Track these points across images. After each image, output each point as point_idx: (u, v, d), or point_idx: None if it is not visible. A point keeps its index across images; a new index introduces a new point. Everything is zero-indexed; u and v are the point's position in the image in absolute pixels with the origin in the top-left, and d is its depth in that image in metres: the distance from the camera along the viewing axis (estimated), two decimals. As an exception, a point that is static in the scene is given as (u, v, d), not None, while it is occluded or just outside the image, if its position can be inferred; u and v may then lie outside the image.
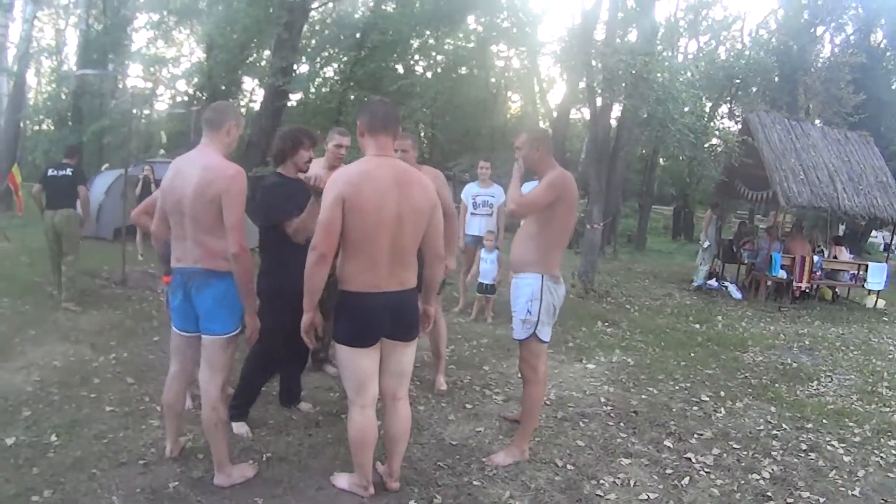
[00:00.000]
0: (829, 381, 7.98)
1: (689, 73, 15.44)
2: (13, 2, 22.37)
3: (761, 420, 6.29)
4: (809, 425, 6.25)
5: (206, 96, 21.71)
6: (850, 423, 6.40)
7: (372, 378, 3.92)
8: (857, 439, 6.00)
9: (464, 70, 26.88)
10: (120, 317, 8.46)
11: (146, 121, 27.28)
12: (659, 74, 12.11)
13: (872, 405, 7.11)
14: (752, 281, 14.68)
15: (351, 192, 3.62)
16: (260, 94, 25.31)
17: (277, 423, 5.29)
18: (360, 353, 3.83)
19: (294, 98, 22.75)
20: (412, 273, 3.92)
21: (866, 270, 14.24)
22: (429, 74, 25.59)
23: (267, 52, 22.44)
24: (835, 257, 14.87)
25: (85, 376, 6.11)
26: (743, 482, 4.88)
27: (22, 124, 24.97)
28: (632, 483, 4.70)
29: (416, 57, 25.61)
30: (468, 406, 6.00)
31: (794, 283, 13.73)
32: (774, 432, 5.99)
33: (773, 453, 5.49)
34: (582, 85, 17.89)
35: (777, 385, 7.53)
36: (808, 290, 14.14)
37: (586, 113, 22.32)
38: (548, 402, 6.14)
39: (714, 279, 15.06)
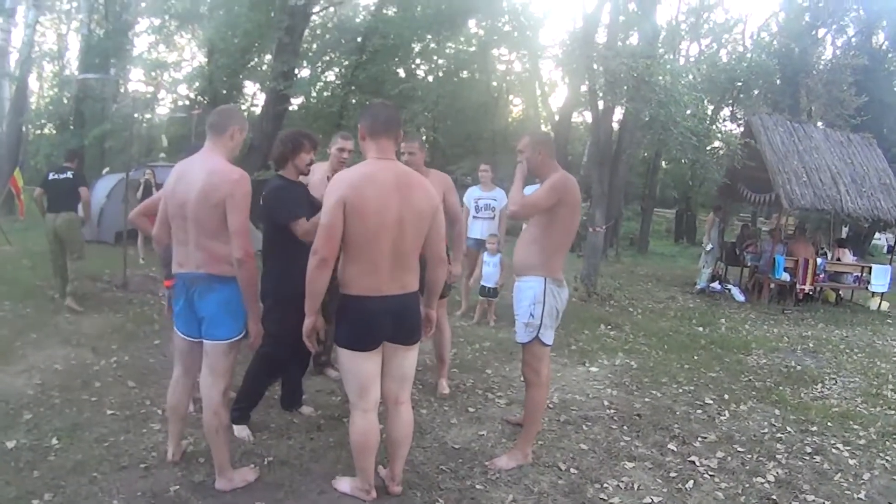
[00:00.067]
0: (834, 384, 7.96)
1: (690, 76, 15.41)
2: (15, 7, 22.40)
3: (765, 423, 6.27)
4: (814, 428, 6.23)
5: (208, 100, 21.66)
6: (855, 426, 6.38)
7: (374, 382, 3.90)
8: (861, 442, 5.98)
9: (465, 74, 26.89)
10: (121, 320, 8.44)
11: (147, 125, 27.25)
12: (661, 77, 12.09)
13: (877, 408, 7.09)
14: (756, 283, 14.66)
15: (352, 195, 3.60)
16: (261, 99, 25.34)
17: (279, 426, 5.27)
18: (361, 357, 3.82)
19: (295, 102, 22.77)
20: (414, 276, 3.90)
21: (870, 272, 14.25)
22: (430, 78, 25.58)
23: (268, 57, 22.43)
24: (838, 259, 14.87)
25: (86, 380, 6.09)
26: (747, 485, 4.86)
27: (24, 128, 24.95)
28: (635, 486, 4.67)
29: (418, 61, 25.60)
30: (471, 410, 5.98)
31: (798, 286, 13.72)
32: (779, 435, 5.97)
33: (777, 456, 5.46)
34: (584, 88, 17.90)
35: (781, 388, 7.51)
36: (811, 293, 14.13)
37: (588, 116, 22.35)
38: (551, 406, 6.12)
39: (717, 282, 15.05)
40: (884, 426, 6.41)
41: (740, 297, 14.11)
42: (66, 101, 24.66)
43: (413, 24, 21.23)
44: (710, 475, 4.98)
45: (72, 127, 22.78)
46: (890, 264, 14.80)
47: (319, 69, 24.03)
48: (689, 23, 30.68)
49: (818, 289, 14.34)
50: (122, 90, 24.36)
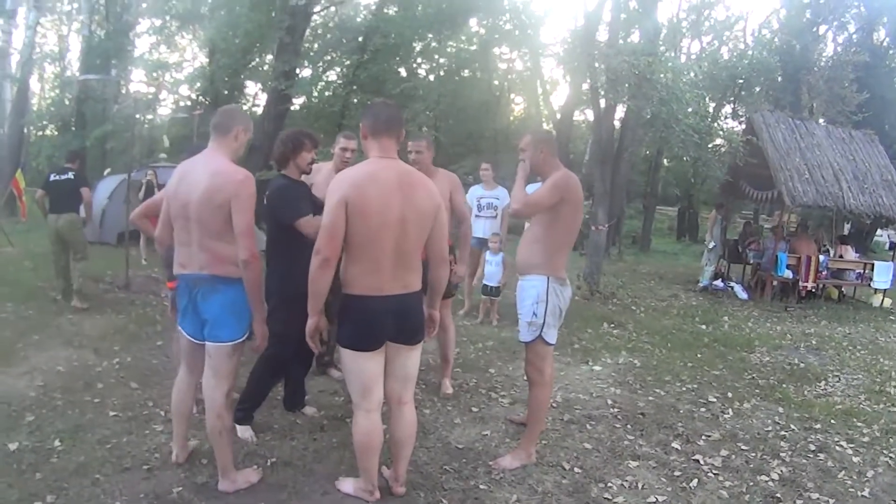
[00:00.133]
0: (837, 381, 7.94)
1: (692, 74, 15.38)
2: (16, 8, 22.41)
3: (769, 421, 6.25)
4: (818, 426, 6.21)
5: (209, 101, 21.72)
6: (859, 423, 6.36)
7: (377, 382, 3.89)
8: (865, 439, 5.97)
9: (467, 73, 26.93)
10: (123, 321, 8.44)
11: (149, 126, 27.26)
12: (662, 75, 12.08)
13: (881, 405, 7.07)
14: (758, 281, 14.64)
15: (354, 194, 3.59)
16: (263, 99, 25.35)
17: (282, 427, 5.26)
18: (364, 357, 3.80)
19: (297, 102, 22.78)
20: (416, 276, 3.89)
21: (872, 269, 14.23)
22: (431, 77, 25.62)
23: (269, 57, 22.45)
24: (840, 256, 14.85)
25: (88, 381, 6.09)
26: (752, 484, 4.85)
27: (25, 130, 24.99)
28: (640, 486, 4.66)
29: (419, 60, 25.65)
30: (474, 409, 5.96)
31: (801, 283, 13.70)
32: (783, 433, 5.95)
33: (781, 454, 5.45)
34: (585, 86, 17.88)
35: (784, 385, 7.49)
36: (814, 290, 14.11)
37: (590, 114, 22.38)
38: (554, 405, 6.11)
39: (720, 279, 15.03)
40: (887, 423, 6.39)
41: (743, 295, 14.09)
42: (67, 103, 24.69)
43: (414, 23, 21.25)
44: (715, 474, 4.96)
45: (73, 128, 22.84)
46: (892, 261, 14.76)
47: (321, 69, 24.07)
48: (690, 20, 30.71)
49: (821, 286, 14.32)
50: (123, 91, 24.39)
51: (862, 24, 25.67)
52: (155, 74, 25.92)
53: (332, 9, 23.81)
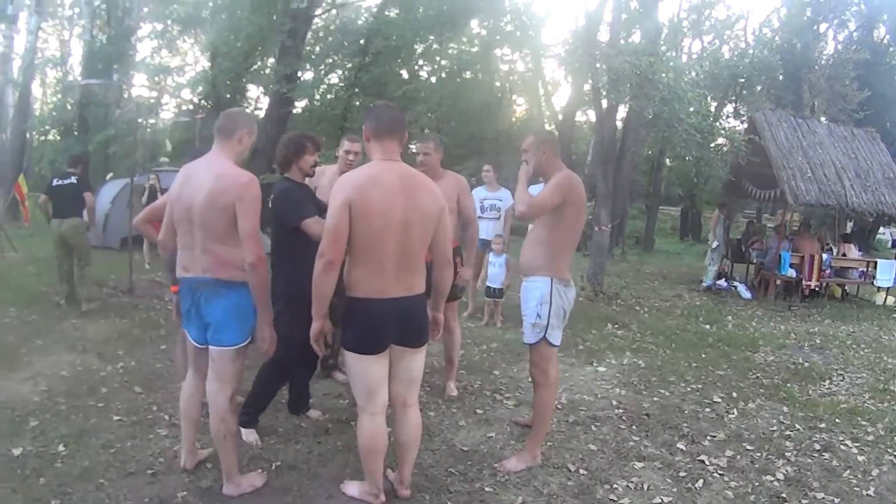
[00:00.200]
0: (841, 380, 7.93)
1: (693, 73, 15.39)
2: (17, 13, 22.44)
3: (774, 420, 6.24)
4: (822, 425, 6.20)
5: (211, 105, 21.73)
6: (864, 422, 6.35)
7: (381, 385, 3.88)
8: (870, 438, 5.96)
9: (468, 74, 26.90)
10: (127, 326, 8.45)
11: (151, 130, 27.27)
12: (664, 75, 12.07)
13: (885, 403, 7.06)
14: (762, 280, 14.63)
15: (357, 196, 3.59)
16: (265, 102, 25.34)
17: (286, 430, 5.26)
18: (368, 360, 3.80)
19: (299, 105, 22.75)
20: (420, 278, 3.88)
21: (875, 267, 14.21)
22: (433, 79, 25.60)
23: (271, 60, 22.46)
24: (844, 255, 14.83)
25: (92, 386, 6.09)
26: (757, 484, 4.84)
27: (28, 135, 25.01)
28: (645, 487, 4.66)
29: (421, 62, 25.61)
30: (479, 411, 5.96)
31: (804, 282, 13.69)
32: (787, 433, 5.94)
33: (786, 454, 5.44)
34: (587, 87, 17.85)
35: (789, 385, 7.48)
36: (817, 289, 14.09)
37: (592, 115, 22.34)
38: (559, 406, 6.10)
39: (723, 279, 15.02)
40: (891, 422, 6.37)
41: (746, 294, 14.08)
42: (69, 107, 24.70)
43: (415, 26, 21.22)
44: (720, 474, 4.96)
45: (76, 133, 22.85)
46: (895, 258, 14.74)
47: (322, 72, 24.07)
48: (690, 20, 30.69)
49: (824, 284, 14.30)
50: (125, 95, 24.39)
51: (862, 21, 25.63)
52: (157, 78, 25.88)
53: (334, 11, 23.82)
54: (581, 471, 4.84)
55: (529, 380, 5.16)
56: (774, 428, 6.04)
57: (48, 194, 9.23)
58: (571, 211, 4.59)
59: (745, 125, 17.93)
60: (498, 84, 29.70)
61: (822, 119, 19.06)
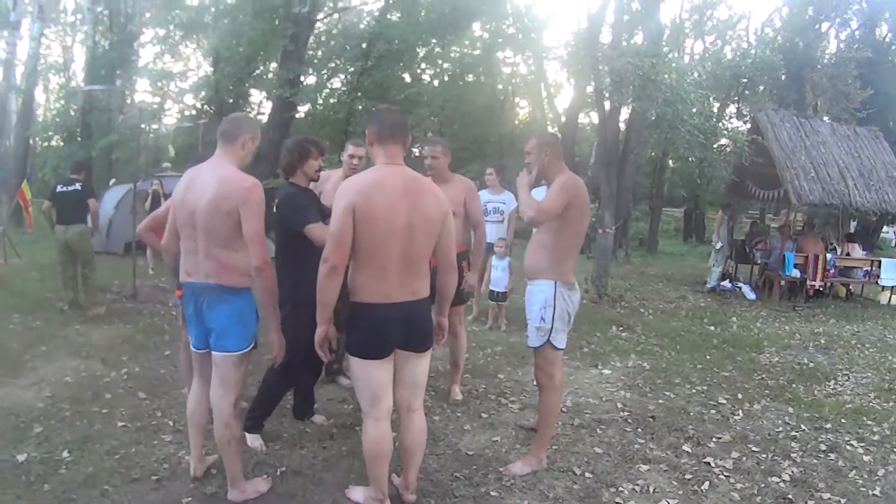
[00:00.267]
0: (846, 380, 7.92)
1: (696, 74, 15.37)
2: (20, 20, 22.51)
3: (779, 421, 6.23)
4: (828, 425, 6.19)
5: (214, 110, 21.80)
6: (869, 422, 6.34)
7: (386, 390, 3.86)
8: (875, 438, 5.95)
9: (471, 77, 26.91)
10: (131, 331, 8.45)
11: (154, 135, 27.36)
12: (666, 76, 12.07)
13: (890, 402, 7.05)
14: (766, 281, 14.61)
15: (360, 201, 3.58)
16: (268, 107, 25.42)
17: (291, 436, 5.26)
18: (373, 365, 3.78)
19: (302, 109, 22.84)
20: (424, 282, 3.87)
21: (879, 266, 14.19)
22: (436, 83, 25.65)
23: (274, 65, 22.55)
24: (847, 254, 14.80)
25: (96, 392, 6.10)
26: (763, 485, 4.82)
27: (31, 141, 25.11)
28: (651, 489, 4.64)
29: (423, 65, 25.67)
30: (484, 415, 5.95)
31: (808, 282, 13.66)
32: (793, 434, 5.93)
33: (792, 455, 5.42)
34: (590, 89, 17.86)
35: (794, 385, 7.46)
36: (821, 289, 14.07)
37: (594, 117, 22.31)
38: (564, 410, 6.08)
39: (727, 280, 14.98)
40: (897, 421, 6.38)
41: (751, 295, 14.05)
42: (72, 113, 24.82)
43: (417, 29, 21.27)
44: (726, 476, 4.94)
45: (79, 138, 22.97)
46: (899, 257, 14.75)
47: (325, 76, 24.15)
48: (692, 20, 30.65)
49: (828, 284, 14.28)
50: (128, 101, 24.51)
51: (864, 20, 25.56)
52: (159, 84, 26.02)
53: (336, 16, 23.89)
54: (587, 474, 4.82)
55: (534, 383, 5.16)
56: (780, 429, 6.03)
57: (52, 200, 9.24)
58: (575, 214, 4.58)
59: (748, 125, 17.86)
60: (500, 87, 29.70)
61: (825, 118, 19.01)
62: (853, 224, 20.69)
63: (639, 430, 5.80)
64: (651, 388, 7.02)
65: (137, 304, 10.10)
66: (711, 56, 25.84)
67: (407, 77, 24.19)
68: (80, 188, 9.17)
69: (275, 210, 4.88)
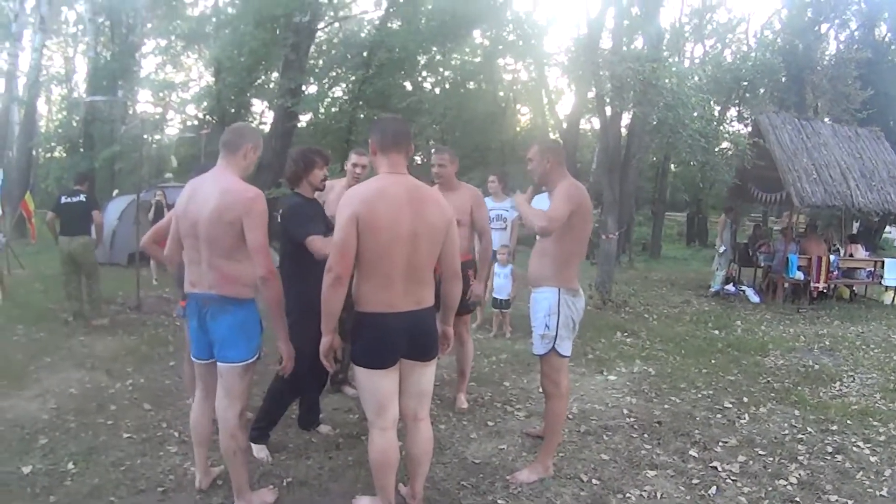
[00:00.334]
0: (852, 381, 7.90)
1: (696, 78, 15.40)
2: (22, 31, 22.58)
3: (786, 424, 6.21)
4: (834, 427, 6.17)
5: (216, 120, 21.82)
6: (875, 423, 6.33)
7: (392, 399, 3.85)
8: (882, 438, 5.94)
9: (472, 85, 26.94)
10: (135, 342, 8.45)
11: (157, 146, 27.40)
12: (667, 80, 12.08)
13: (895, 403, 7.03)
14: (770, 284, 14.60)
15: (364, 210, 3.57)
16: (270, 116, 25.49)
17: (297, 446, 5.25)
18: (378, 375, 3.77)
19: (304, 119, 22.88)
20: (429, 291, 3.86)
21: (883, 267, 14.18)
22: (437, 90, 25.68)
23: (275, 74, 22.58)
24: (851, 255, 14.80)
25: (101, 403, 6.10)
26: (770, 489, 4.81)
27: (34, 152, 25.20)
28: (658, 495, 4.63)
29: (424, 73, 25.69)
30: (490, 423, 5.94)
31: (812, 284, 13.65)
32: (799, 436, 5.91)
33: (799, 458, 5.41)
34: (591, 94, 17.87)
35: (800, 388, 7.45)
36: (825, 290, 14.06)
37: (596, 123, 22.31)
38: (570, 416, 6.07)
39: (731, 284, 14.99)
40: (903, 421, 6.37)
41: (755, 298, 14.05)
42: (74, 124, 24.88)
43: (418, 37, 21.28)
44: (733, 480, 4.93)
45: (81, 149, 23.01)
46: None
47: (326, 85, 24.15)
48: (692, 24, 30.74)
49: (832, 286, 14.27)
50: (130, 111, 24.53)
51: (863, 20, 25.62)
52: (161, 94, 26.06)
53: (336, 25, 23.92)
54: (594, 481, 4.81)
55: (540, 391, 5.15)
56: (786, 432, 6.01)
57: (56, 212, 9.27)
58: (577, 220, 4.57)
59: (749, 128, 17.87)
60: (501, 94, 29.72)
61: (826, 120, 19.06)
62: (856, 225, 20.70)
63: (645, 435, 5.79)
64: (657, 394, 7.01)
65: (142, 314, 10.11)
66: (711, 59, 25.97)
67: (408, 85, 24.20)
68: (84, 199, 9.20)
69: (279, 220, 4.88)
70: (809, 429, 6.11)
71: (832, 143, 14.93)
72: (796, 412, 6.57)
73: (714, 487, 4.78)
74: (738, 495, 4.69)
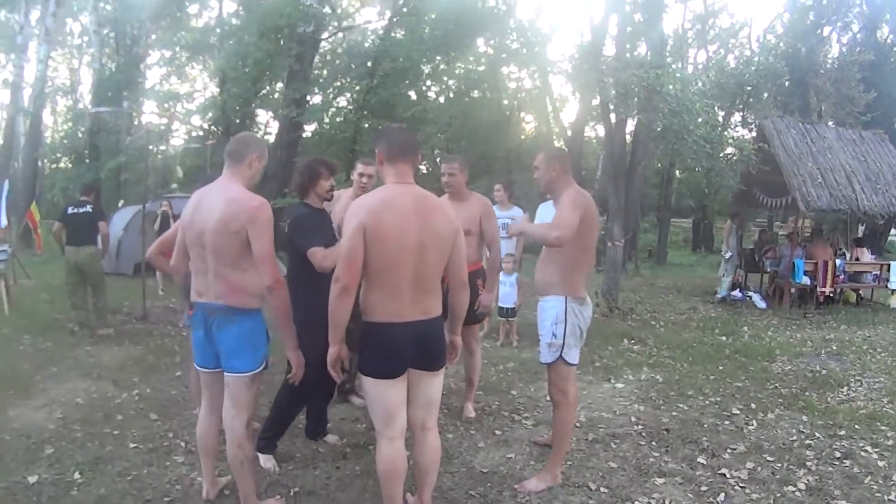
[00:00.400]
0: (859, 386, 7.90)
1: (700, 83, 15.41)
2: (27, 43, 22.66)
3: (794, 430, 6.21)
4: (842, 432, 6.17)
5: (221, 130, 21.84)
6: (883, 427, 6.33)
7: (399, 409, 3.84)
8: (890, 443, 5.94)
9: (476, 93, 26.91)
10: (142, 352, 8.46)
11: (162, 156, 27.47)
12: (671, 86, 12.06)
13: (903, 407, 7.03)
14: (776, 289, 14.58)
15: (371, 220, 3.57)
16: (274, 127, 25.50)
17: (304, 456, 5.25)
18: (386, 385, 3.76)
19: (309, 129, 22.89)
20: (437, 301, 3.85)
21: (889, 270, 14.16)
22: (441, 99, 25.68)
23: (280, 85, 22.58)
24: (857, 259, 14.78)
25: (108, 413, 6.10)
26: (779, 495, 4.81)
27: (39, 163, 25.26)
28: (667, 503, 4.62)
29: (428, 82, 25.66)
30: (497, 432, 5.93)
31: (819, 289, 13.63)
32: (808, 442, 5.91)
33: (807, 463, 5.41)
34: (595, 102, 17.86)
35: (807, 393, 7.44)
36: (832, 295, 14.03)
37: (601, 130, 22.28)
38: (578, 425, 6.06)
39: (738, 290, 14.94)
40: (911, 425, 6.35)
41: (762, 304, 14.01)
42: (80, 135, 24.91)
43: (422, 46, 21.27)
44: (741, 486, 4.92)
45: (87, 160, 23.03)
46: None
47: (331, 95, 24.16)
48: (695, 30, 30.72)
49: (838, 290, 14.24)
50: (135, 122, 24.63)
51: (865, 22, 25.54)
52: (166, 105, 26.13)
53: (340, 35, 23.96)
54: (602, 489, 4.80)
55: (547, 399, 5.15)
56: (794, 437, 6.01)
57: (63, 222, 9.30)
58: (583, 227, 4.55)
59: (754, 133, 17.88)
60: (506, 102, 29.67)
61: (830, 123, 18.99)
62: (861, 228, 20.63)
63: (653, 443, 5.78)
64: (664, 401, 7.00)
65: (148, 325, 10.12)
66: (715, 65, 25.91)
67: (413, 94, 24.19)
68: (90, 210, 9.24)
69: (286, 230, 4.89)
70: (817, 434, 6.11)
71: (837, 146, 14.91)
72: (804, 417, 6.57)
73: (722, 494, 4.77)
74: (747, 502, 4.69)
